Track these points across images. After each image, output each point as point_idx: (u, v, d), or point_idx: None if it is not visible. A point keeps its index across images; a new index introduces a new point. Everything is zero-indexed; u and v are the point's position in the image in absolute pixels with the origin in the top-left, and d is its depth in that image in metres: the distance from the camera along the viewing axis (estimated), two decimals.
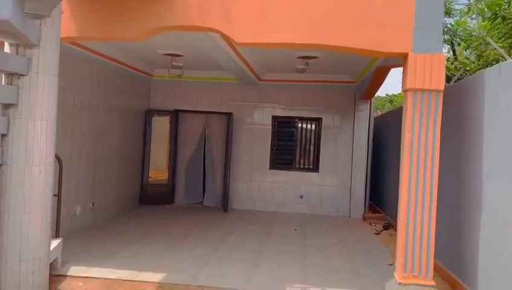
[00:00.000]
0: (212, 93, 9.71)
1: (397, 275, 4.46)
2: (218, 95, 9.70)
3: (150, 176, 9.62)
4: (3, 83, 3.83)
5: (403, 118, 4.48)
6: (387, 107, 21.10)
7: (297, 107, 9.50)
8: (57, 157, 5.08)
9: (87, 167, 7.21)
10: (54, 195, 5.01)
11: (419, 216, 4.28)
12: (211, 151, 9.95)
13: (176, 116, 9.83)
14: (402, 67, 4.60)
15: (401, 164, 4.51)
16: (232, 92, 9.65)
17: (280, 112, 9.57)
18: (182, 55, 7.44)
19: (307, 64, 7.13)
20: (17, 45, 3.77)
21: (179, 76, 7.91)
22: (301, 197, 9.50)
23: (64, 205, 6.49)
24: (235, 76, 8.74)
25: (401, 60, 4.62)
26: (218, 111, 9.70)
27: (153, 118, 9.66)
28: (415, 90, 4.29)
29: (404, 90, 4.44)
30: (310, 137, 9.65)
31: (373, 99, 9.33)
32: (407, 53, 4.29)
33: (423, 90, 4.27)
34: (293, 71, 8.76)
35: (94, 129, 7.47)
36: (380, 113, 13.24)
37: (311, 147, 9.64)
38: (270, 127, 9.61)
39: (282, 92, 9.51)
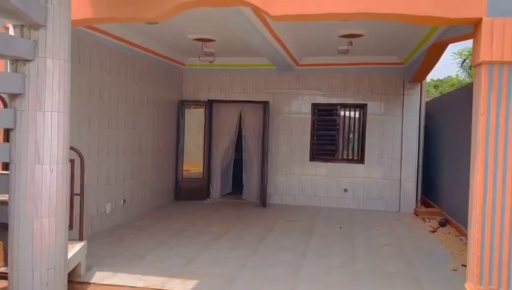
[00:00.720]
0: (246, 81, 9.12)
1: (469, 287, 3.71)
2: (253, 83, 9.10)
3: (184, 170, 9.20)
4: (8, 71, 3.39)
5: (474, 98, 3.70)
6: (433, 93, 19.69)
7: (339, 93, 8.74)
8: (76, 152, 4.68)
9: (118, 162, 6.84)
10: (76, 194, 4.63)
11: (499, 219, 3.50)
12: (247, 142, 9.38)
13: (209, 106, 9.33)
14: (465, 40, 3.81)
15: (472, 155, 3.74)
16: (268, 79, 9.02)
17: (320, 99, 8.84)
18: (213, 40, 6.87)
19: (350, 43, 6.38)
20: (22, 26, 3.32)
21: (210, 63, 7.35)
22: (345, 190, 8.77)
23: (94, 203, 6.15)
24: (271, 61, 8.09)
25: (468, 28, 3.82)
26: (253, 100, 9.10)
27: (186, 110, 9.20)
28: (490, 63, 3.50)
29: (477, 65, 3.65)
30: (354, 125, 8.87)
31: (424, 82, 8.42)
32: (481, 18, 3.50)
33: (502, 63, 3.47)
34: (335, 54, 8.01)
35: (127, 122, 7.11)
36: (429, 98, 12.12)
37: (356, 136, 8.86)
38: (310, 116, 8.91)
39: (322, 77, 8.77)
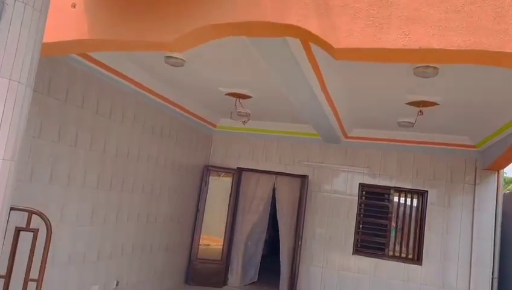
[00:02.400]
0: (284, 150, 7.87)
1: None
2: (292, 153, 7.82)
3: (201, 244, 7.76)
4: None
5: None
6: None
7: (394, 174, 7.28)
8: (43, 218, 3.41)
9: (118, 231, 5.53)
10: (32, 280, 3.29)
11: None
12: (279, 222, 7.90)
13: (238, 175, 8.06)
14: None
15: None
16: (309, 150, 7.74)
17: (370, 180, 7.39)
18: (249, 96, 5.75)
19: (421, 113, 5.05)
20: None
21: (244, 123, 6.19)
22: None
23: (74, 285, 4.77)
24: (316, 129, 6.85)
25: None
26: (290, 173, 7.78)
27: (211, 176, 7.97)
28: None
29: None
30: (411, 216, 7.27)
31: (502, 171, 6.86)
32: None
33: None
34: (392, 127, 6.70)
35: (137, 183, 5.92)
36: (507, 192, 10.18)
37: (412, 229, 7.22)
38: (357, 198, 7.42)
39: (374, 153, 7.40)
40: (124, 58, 4.92)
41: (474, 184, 6.85)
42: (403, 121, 6.08)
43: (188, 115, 6.98)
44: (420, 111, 5.03)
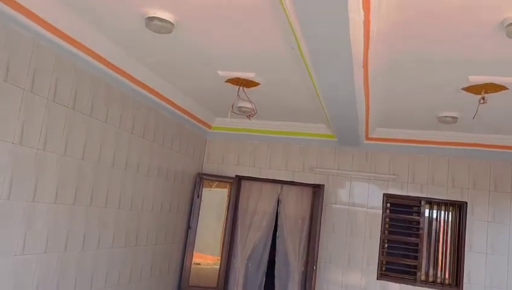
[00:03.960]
0: (292, 154, 6.62)
1: None
2: (301, 158, 6.58)
3: (192, 267, 6.43)
4: None
5: None
6: None
7: (425, 183, 6.07)
8: None
9: (86, 259, 4.20)
10: None
11: None
12: (286, 240, 6.62)
13: (237, 185, 6.78)
14: None
15: None
16: (322, 154, 6.50)
17: (397, 190, 6.17)
18: (255, 84, 4.50)
19: (483, 100, 3.83)
20: None
21: (249, 117, 4.93)
22: None
23: None
24: (334, 130, 5.62)
25: None
26: (299, 181, 6.53)
27: (205, 187, 6.67)
28: None
29: None
30: (446, 232, 6.05)
31: None
32: None
33: None
34: (425, 125, 5.53)
35: (116, 198, 4.64)
36: None
37: (449, 249, 6.00)
38: (381, 212, 6.19)
39: (400, 158, 6.19)
40: (91, 28, 3.64)
41: None
42: (446, 116, 4.90)
43: (176, 111, 5.70)
44: (483, 98, 3.82)
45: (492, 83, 3.68)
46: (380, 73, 3.86)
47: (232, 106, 4.50)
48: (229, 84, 4.58)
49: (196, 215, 6.50)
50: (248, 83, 4.49)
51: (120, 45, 3.96)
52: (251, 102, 4.56)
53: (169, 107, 5.48)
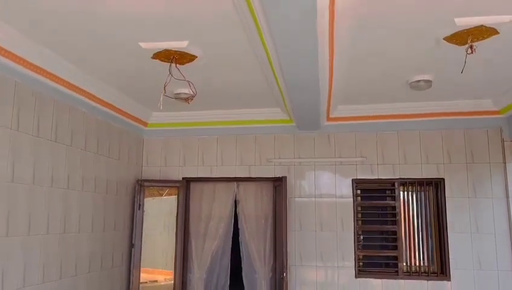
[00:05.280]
0: (246, 146, 5.74)
1: None
2: (257, 150, 5.71)
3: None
4: None
5: None
6: None
7: (397, 162, 5.40)
8: None
9: None
10: None
11: None
12: (249, 245, 5.72)
13: (185, 189, 5.79)
14: None
15: None
16: (280, 143, 5.67)
17: (366, 173, 5.46)
18: (192, 57, 3.56)
19: (471, 50, 3.12)
20: None
21: (188, 101, 3.96)
22: None
23: None
24: (293, 112, 4.80)
25: None
26: (257, 176, 5.66)
27: (148, 195, 5.63)
28: None
29: None
30: (426, 214, 5.41)
31: None
32: None
33: None
34: (391, 97, 4.87)
35: (42, 221, 3.58)
36: None
37: (431, 233, 5.36)
38: (351, 200, 5.45)
39: (368, 137, 5.49)
40: None
41: (504, 162, 5.13)
42: (418, 81, 4.22)
43: (101, 108, 4.67)
44: (470, 47, 3.12)
45: (482, 25, 2.98)
46: (345, 31, 3.07)
47: (164, 89, 3.51)
48: (158, 60, 3.61)
49: (139, 229, 5.45)
50: (181, 57, 3.54)
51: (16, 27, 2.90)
52: (188, 81, 3.60)
53: (91, 102, 4.43)
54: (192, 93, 3.73)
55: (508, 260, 4.98)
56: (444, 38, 3.23)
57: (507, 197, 5.06)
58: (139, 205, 5.47)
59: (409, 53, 3.61)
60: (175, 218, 5.72)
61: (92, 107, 4.54)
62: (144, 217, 5.53)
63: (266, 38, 2.93)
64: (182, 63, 3.64)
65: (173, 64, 3.58)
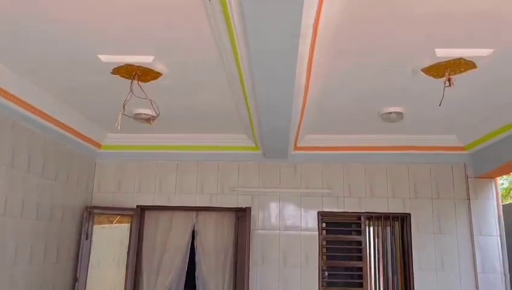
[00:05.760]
0: (208, 174, 5.40)
1: None
2: (220, 178, 5.39)
3: None
4: None
5: None
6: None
7: (363, 196, 5.26)
8: None
9: None
10: None
11: None
12: (207, 281, 5.30)
13: (139, 217, 5.34)
14: None
15: None
16: (245, 171, 5.39)
17: (332, 206, 5.26)
18: (157, 74, 3.25)
19: (449, 82, 3.01)
20: None
21: (150, 121, 3.62)
22: None
23: None
24: (260, 140, 4.59)
25: None
26: (219, 206, 5.32)
27: (97, 224, 5.13)
28: None
29: None
30: (392, 250, 5.25)
31: (498, 179, 5.25)
32: None
33: None
34: (360, 128, 4.76)
35: None
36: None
37: (397, 269, 5.19)
38: (317, 234, 5.22)
39: (335, 168, 5.33)
40: None
41: (468, 199, 5.11)
42: (390, 113, 4.12)
43: (52, 126, 4.22)
44: (448, 80, 3.04)
45: (461, 58, 2.90)
46: (323, 57, 2.90)
47: (124, 107, 3.16)
48: (118, 76, 3.27)
49: (85, 262, 4.91)
50: (145, 74, 3.22)
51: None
52: (151, 100, 3.28)
53: (37, 118, 3.97)
54: (154, 113, 3.39)
55: None
56: (421, 70, 3.13)
57: (471, 234, 5.02)
58: (87, 234, 4.96)
59: (384, 84, 3.51)
60: (126, 249, 5.23)
61: (39, 125, 4.07)
62: (92, 247, 5.01)
63: (242, 58, 2.70)
64: (145, 80, 3.33)
65: (135, 81, 3.24)
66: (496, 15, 2.41)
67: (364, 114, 4.27)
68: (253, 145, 5.20)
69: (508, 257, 4.97)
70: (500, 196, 5.25)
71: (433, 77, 3.20)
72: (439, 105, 3.18)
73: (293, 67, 2.67)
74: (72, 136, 4.69)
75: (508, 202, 9.16)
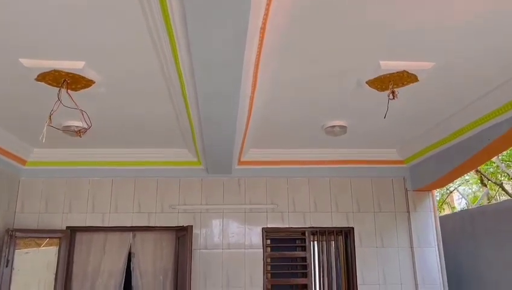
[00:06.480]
0: (146, 191, 5.08)
1: None
2: (158, 195, 5.08)
3: None
4: None
5: None
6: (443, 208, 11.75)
7: (307, 210, 5.19)
8: None
9: None
10: None
11: None
12: None
13: (69, 240, 4.87)
14: None
15: None
16: (186, 187, 5.12)
17: (277, 221, 5.14)
18: (89, 82, 2.96)
19: (393, 95, 3.02)
20: None
21: (79, 134, 3.26)
22: None
23: None
24: (202, 153, 4.39)
25: None
26: (158, 226, 5.00)
27: (18, 249, 4.60)
28: None
29: None
30: (337, 266, 5.21)
31: (434, 192, 5.42)
32: None
33: None
34: (308, 142, 4.71)
35: None
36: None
37: (341, 285, 5.14)
38: (261, 251, 5.05)
39: (279, 183, 5.22)
40: None
41: (408, 211, 5.22)
42: (333, 126, 4.11)
43: None
44: (392, 92, 3.05)
45: (404, 71, 2.92)
46: (268, 66, 2.79)
47: (50, 118, 2.82)
48: (44, 83, 2.94)
49: None
50: (75, 81, 2.92)
51: None
52: (81, 110, 2.97)
53: None
54: (85, 125, 3.08)
55: None
56: (366, 82, 3.12)
57: (411, 246, 5.11)
58: (7, 261, 4.42)
59: (329, 95, 3.46)
60: (54, 275, 4.73)
61: None
62: (13, 275, 4.47)
63: (183, 65, 2.52)
64: (76, 89, 3.02)
65: (63, 90, 2.93)
66: (437, 26, 2.43)
67: (308, 127, 4.22)
68: (196, 160, 4.98)
69: (446, 267, 5.11)
70: (437, 207, 5.42)
71: (377, 89, 3.21)
72: (384, 117, 3.17)
73: (239, 76, 2.52)
74: None
75: (442, 214, 9.61)
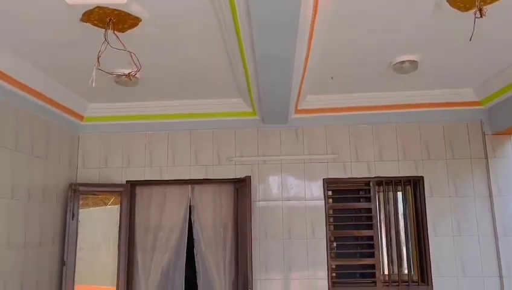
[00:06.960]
0: (202, 144, 4.96)
1: None
2: (215, 148, 4.95)
3: None
4: None
5: None
6: None
7: (371, 159, 4.84)
8: None
9: None
10: None
11: None
12: (206, 258, 4.93)
13: (129, 194, 4.90)
14: None
15: None
16: (242, 139, 4.94)
17: (339, 172, 4.84)
18: (134, 20, 2.76)
19: (480, 12, 2.58)
20: None
21: (129, 77, 3.14)
22: None
23: None
24: (257, 101, 4.15)
25: None
26: (216, 178, 4.90)
27: (83, 202, 4.70)
28: None
29: None
30: (405, 217, 4.88)
31: None
32: None
33: None
34: (372, 83, 4.30)
35: None
36: None
37: (411, 237, 4.83)
38: (323, 203, 4.82)
39: (340, 131, 4.89)
40: None
41: (486, 158, 4.71)
42: (403, 62, 3.67)
43: (25, 94, 3.74)
44: (480, 10, 2.58)
45: None
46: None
47: (98, 60, 2.68)
48: (90, 24, 2.77)
49: (72, 244, 4.50)
50: (120, 20, 2.73)
51: None
52: (130, 52, 2.79)
53: (5, 85, 3.48)
54: (136, 67, 2.91)
55: (494, 264, 4.53)
56: (447, 0, 2.66)
57: (490, 195, 4.64)
58: (73, 214, 4.53)
59: (399, 25, 3.03)
60: (117, 228, 4.81)
61: (8, 92, 3.59)
62: (79, 228, 4.59)
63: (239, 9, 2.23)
64: (122, 30, 2.84)
65: (110, 31, 2.75)
66: None
67: (375, 64, 3.80)
68: (251, 110, 4.75)
69: None
70: None
71: (460, 9, 2.74)
72: (470, 40, 2.70)
73: (297, 3, 2.19)
74: (50, 107, 4.22)
75: None
